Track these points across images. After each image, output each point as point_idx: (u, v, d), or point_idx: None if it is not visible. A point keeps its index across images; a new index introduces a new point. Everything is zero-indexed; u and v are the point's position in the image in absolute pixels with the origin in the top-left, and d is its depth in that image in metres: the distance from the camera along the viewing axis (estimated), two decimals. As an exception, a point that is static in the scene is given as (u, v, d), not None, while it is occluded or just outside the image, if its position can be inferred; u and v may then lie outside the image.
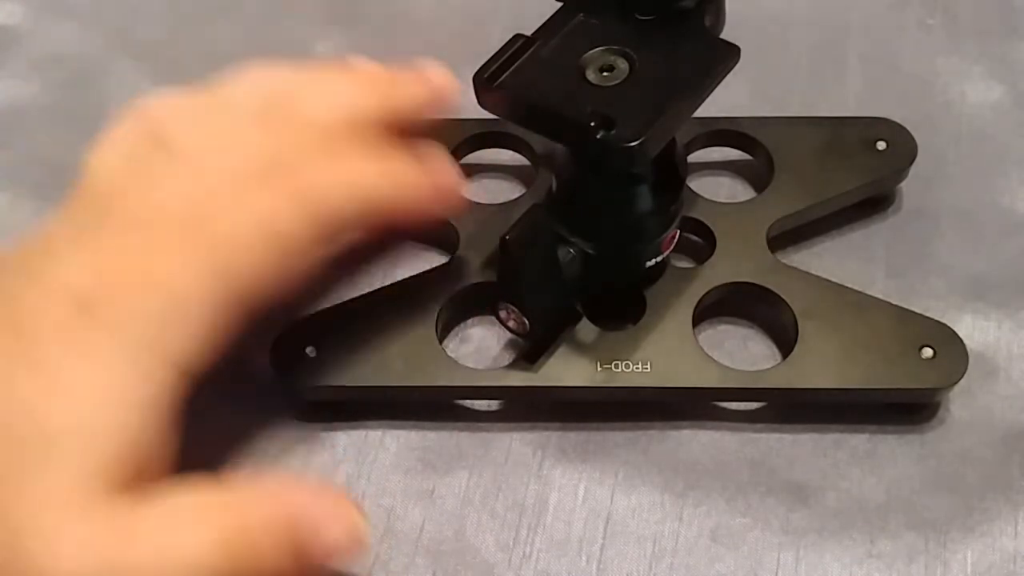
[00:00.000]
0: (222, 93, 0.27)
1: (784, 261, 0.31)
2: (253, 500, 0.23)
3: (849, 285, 0.30)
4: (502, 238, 0.27)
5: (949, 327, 0.29)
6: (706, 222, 0.32)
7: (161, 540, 0.22)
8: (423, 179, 0.27)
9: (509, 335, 0.29)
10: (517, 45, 0.27)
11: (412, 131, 0.29)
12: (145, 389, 0.22)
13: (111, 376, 0.22)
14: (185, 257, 0.24)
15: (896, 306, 0.30)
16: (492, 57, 0.26)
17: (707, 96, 0.26)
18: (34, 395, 0.22)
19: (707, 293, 0.30)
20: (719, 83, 0.26)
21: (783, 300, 0.30)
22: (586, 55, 0.26)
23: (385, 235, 0.33)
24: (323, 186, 0.25)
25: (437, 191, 0.28)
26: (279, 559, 0.23)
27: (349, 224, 0.26)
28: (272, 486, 0.24)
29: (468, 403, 0.31)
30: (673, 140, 0.28)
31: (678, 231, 0.30)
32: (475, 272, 0.31)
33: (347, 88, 0.28)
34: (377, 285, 0.32)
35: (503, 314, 0.28)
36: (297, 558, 0.23)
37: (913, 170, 0.33)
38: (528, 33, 0.27)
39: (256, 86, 0.28)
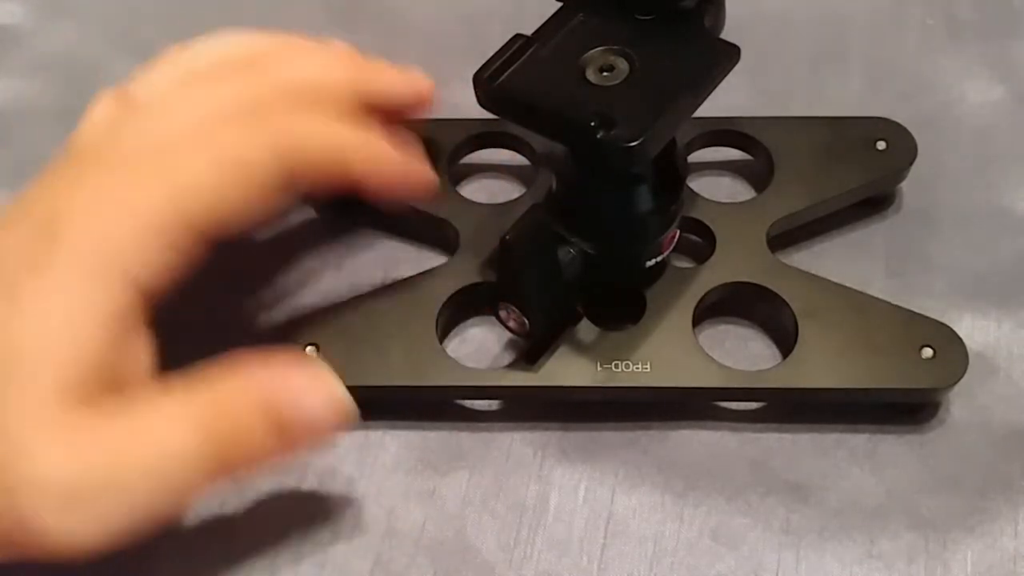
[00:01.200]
0: (194, 51, 0.28)
1: (784, 261, 0.31)
2: (229, 382, 0.23)
3: (849, 285, 0.30)
4: (502, 238, 0.27)
5: (949, 327, 0.29)
6: (706, 222, 0.32)
7: (143, 437, 0.22)
8: (395, 156, 0.27)
9: (509, 335, 0.29)
10: (517, 45, 0.27)
11: (391, 121, 0.29)
12: (106, 305, 0.23)
13: (72, 294, 0.22)
14: (146, 183, 0.24)
15: (896, 306, 0.30)
16: (492, 57, 0.26)
17: (707, 96, 0.26)
18: (4, 319, 0.22)
19: (707, 293, 0.30)
20: (719, 83, 0.26)
21: (783, 300, 0.30)
22: (586, 55, 0.26)
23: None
24: (296, 130, 0.25)
25: (407, 171, 0.28)
26: (263, 436, 0.23)
27: (317, 173, 0.26)
28: (246, 367, 0.23)
29: (468, 403, 0.31)
30: (673, 140, 0.28)
31: (678, 231, 0.30)
32: (475, 272, 0.31)
33: (324, 58, 0.29)
34: (377, 285, 0.32)
35: (503, 314, 0.28)
36: (281, 433, 0.23)
37: (913, 170, 0.33)
38: (528, 33, 0.27)
39: (230, 47, 0.29)
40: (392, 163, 0.27)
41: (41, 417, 0.21)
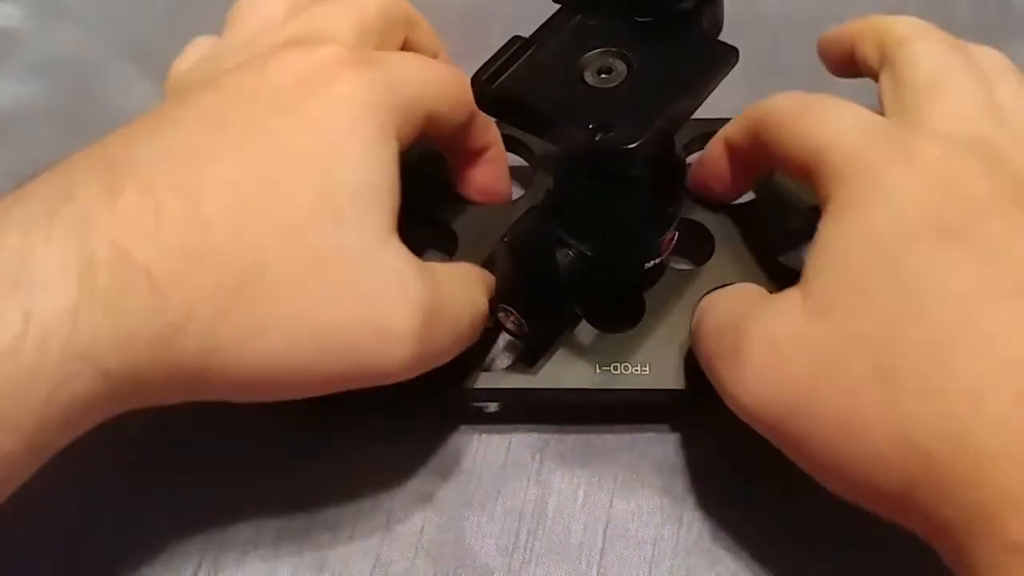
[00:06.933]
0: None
1: (784, 263, 0.31)
2: (481, 271, 0.29)
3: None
4: (500, 240, 0.27)
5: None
6: (705, 224, 0.32)
7: (462, 282, 0.27)
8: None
9: (507, 337, 0.29)
10: (516, 47, 0.27)
11: None
12: (394, 157, 0.26)
13: (375, 143, 0.25)
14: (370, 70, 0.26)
15: (896, 308, 0.30)
16: (491, 59, 0.26)
17: (705, 98, 0.26)
18: (311, 151, 0.24)
19: (706, 295, 0.30)
20: (717, 85, 0.26)
21: (782, 302, 0.30)
22: (584, 57, 0.26)
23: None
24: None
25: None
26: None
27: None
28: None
29: (467, 405, 0.31)
30: (671, 142, 0.28)
31: (676, 233, 0.30)
32: (474, 274, 0.31)
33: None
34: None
35: (501, 316, 0.28)
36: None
37: (913, 171, 0.33)
38: (527, 34, 0.27)
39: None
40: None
41: (391, 243, 0.25)
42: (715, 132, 0.34)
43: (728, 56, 0.26)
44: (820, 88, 0.37)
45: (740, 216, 0.32)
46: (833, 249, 0.24)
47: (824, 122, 0.26)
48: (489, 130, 0.32)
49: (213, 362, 0.22)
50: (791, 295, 0.25)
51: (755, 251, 0.31)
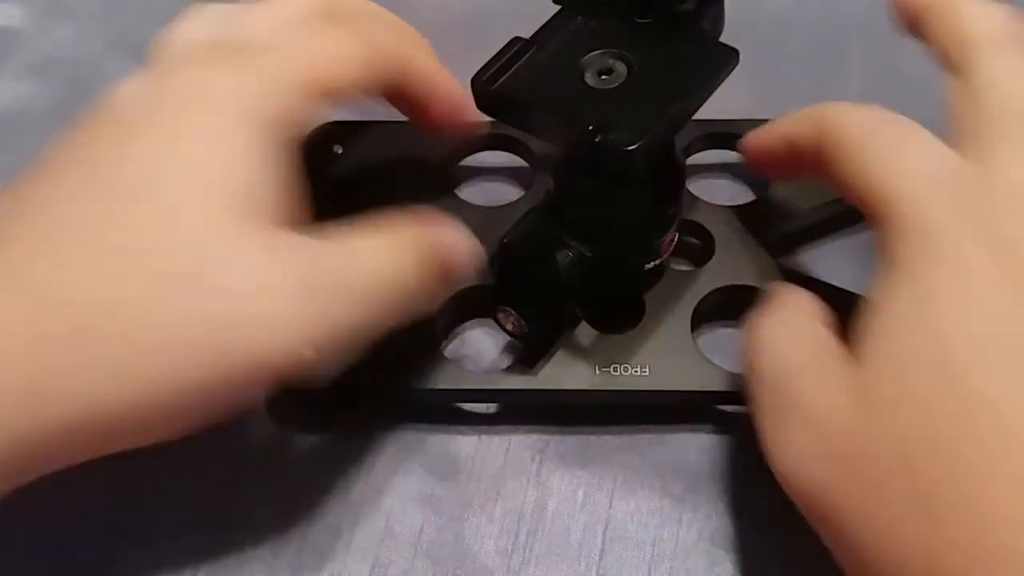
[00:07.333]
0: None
1: (784, 264, 0.31)
2: (411, 232, 0.25)
3: (849, 288, 0.30)
4: (500, 241, 0.27)
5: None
6: (705, 225, 0.32)
7: (363, 254, 0.24)
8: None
9: (507, 338, 0.29)
10: (516, 48, 0.27)
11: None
12: (255, 140, 0.24)
13: (224, 131, 0.24)
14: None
15: (896, 309, 0.29)
16: (491, 60, 0.26)
17: (706, 99, 0.26)
18: (161, 148, 0.23)
19: (706, 296, 0.30)
20: (718, 86, 0.26)
21: (782, 303, 0.30)
22: (584, 58, 0.26)
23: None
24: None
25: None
26: (433, 280, 0.25)
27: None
28: (417, 221, 0.26)
29: (466, 406, 0.31)
30: (672, 142, 0.28)
31: (677, 234, 0.30)
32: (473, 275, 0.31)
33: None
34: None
35: (501, 317, 0.28)
36: (443, 278, 0.26)
37: (913, 172, 0.33)
38: (528, 35, 0.27)
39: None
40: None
41: (227, 232, 0.23)
42: (716, 133, 0.34)
43: (729, 58, 0.26)
44: (821, 87, 0.38)
45: (740, 217, 0.32)
46: (890, 329, 0.22)
47: (893, 161, 0.24)
48: (436, 72, 0.29)
49: (85, 411, 0.22)
50: (841, 370, 0.23)
51: (755, 252, 0.31)
